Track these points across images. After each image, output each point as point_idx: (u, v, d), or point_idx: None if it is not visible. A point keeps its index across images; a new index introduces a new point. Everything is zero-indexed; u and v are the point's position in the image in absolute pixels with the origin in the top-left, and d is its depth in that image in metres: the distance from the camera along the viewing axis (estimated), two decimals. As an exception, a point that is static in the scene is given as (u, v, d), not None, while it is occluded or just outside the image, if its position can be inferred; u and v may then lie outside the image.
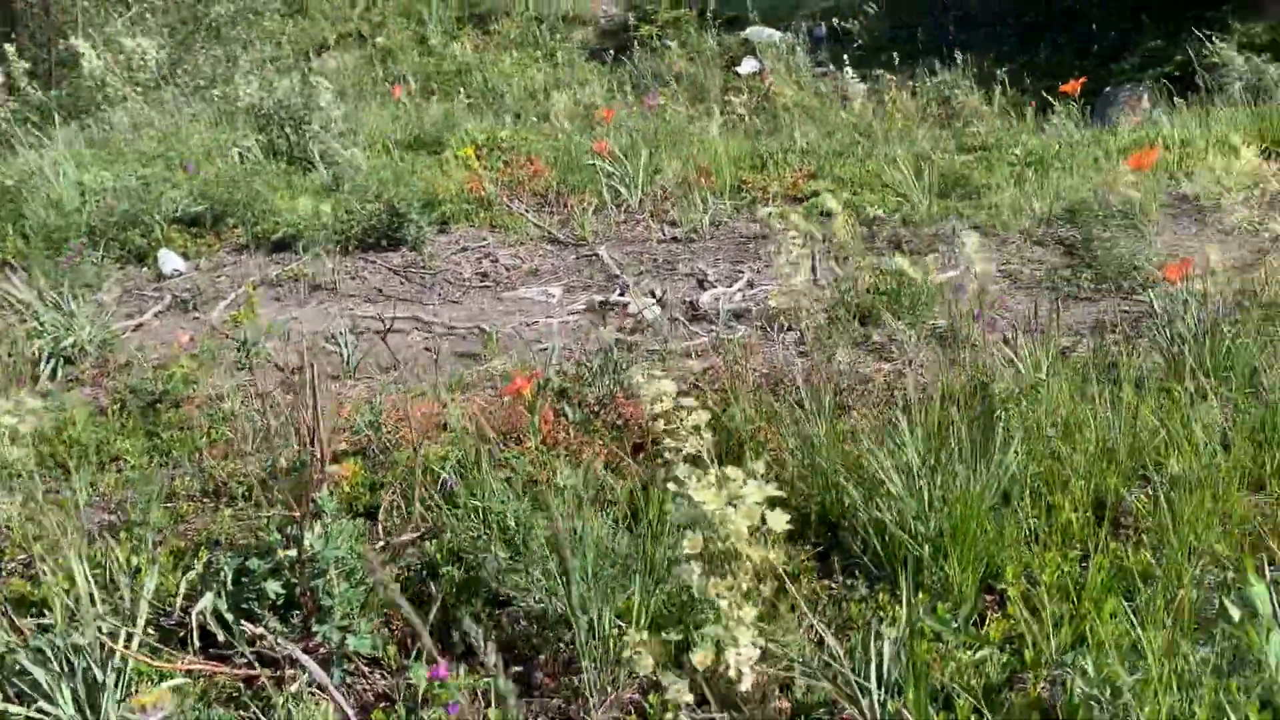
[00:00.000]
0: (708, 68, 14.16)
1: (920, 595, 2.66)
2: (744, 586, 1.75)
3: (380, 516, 3.10)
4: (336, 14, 16.02)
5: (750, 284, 5.25)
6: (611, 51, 14.29)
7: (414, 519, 2.89)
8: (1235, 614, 2.07)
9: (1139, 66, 11.90)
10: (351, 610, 2.56)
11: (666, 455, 2.05)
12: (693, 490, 1.72)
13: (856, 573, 2.83)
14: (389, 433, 3.57)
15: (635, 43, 14.31)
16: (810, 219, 5.59)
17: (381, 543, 2.94)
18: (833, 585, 2.84)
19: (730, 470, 1.79)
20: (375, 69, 13.96)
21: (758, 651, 1.73)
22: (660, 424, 2.07)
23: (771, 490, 1.78)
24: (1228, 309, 3.73)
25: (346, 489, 3.40)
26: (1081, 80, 6.76)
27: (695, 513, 1.73)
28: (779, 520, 1.78)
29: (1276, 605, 2.15)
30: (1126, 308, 4.46)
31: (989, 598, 2.78)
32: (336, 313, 5.20)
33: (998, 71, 11.33)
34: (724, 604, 1.72)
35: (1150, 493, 2.97)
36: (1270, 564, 2.73)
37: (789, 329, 4.52)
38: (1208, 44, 10.98)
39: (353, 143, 7.47)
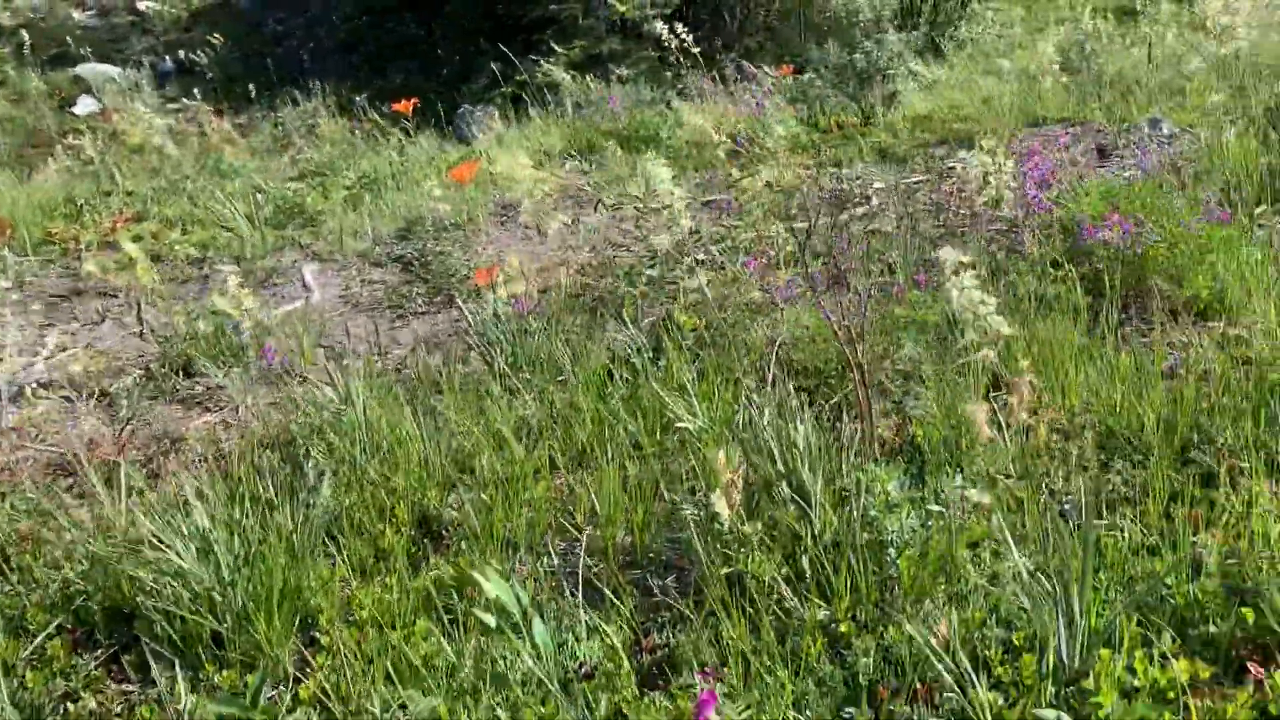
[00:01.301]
0: (37, 110, 12.52)
1: (225, 672, 2.38)
2: None
3: None
4: None
5: (62, 348, 4.56)
6: (-98, 98, 12.01)
7: None
8: (490, 620, 2.06)
9: (487, 87, 12.72)
10: None
11: None
12: None
13: (157, 666, 2.47)
14: None
15: (-66, 86, 12.16)
16: (131, 267, 5.02)
17: None
18: (129, 687, 2.46)
19: None
20: None
21: None
22: None
23: None
24: (531, 305, 3.95)
25: None
26: (413, 101, 6.95)
27: None
28: None
29: (533, 598, 2.21)
30: (459, 317, 4.57)
31: (311, 650, 2.58)
32: None
33: (356, 98, 11.41)
34: None
35: (467, 497, 2.99)
36: (577, 541, 2.88)
37: (100, 395, 3.96)
38: (540, 65, 12.05)
39: None
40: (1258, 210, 4.29)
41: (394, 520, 2.96)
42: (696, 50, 7.34)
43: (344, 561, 2.78)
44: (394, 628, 2.49)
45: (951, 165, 5.78)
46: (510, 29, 13.12)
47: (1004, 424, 2.76)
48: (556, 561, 2.74)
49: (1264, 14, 6.69)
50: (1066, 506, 2.71)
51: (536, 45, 12.54)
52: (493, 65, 12.88)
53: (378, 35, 14.28)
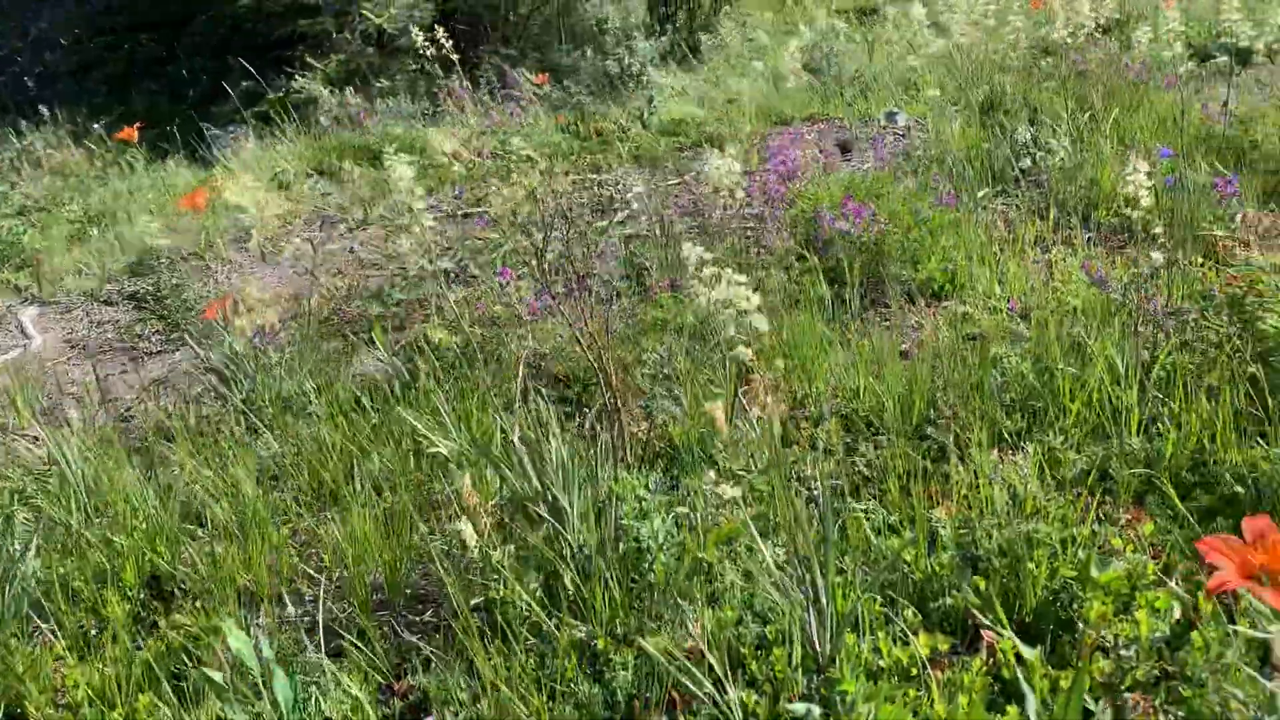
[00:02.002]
0: None
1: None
2: None
3: None
4: None
5: None
6: None
7: None
8: (218, 677, 1.89)
9: (238, 107, 12.10)
10: None
11: None
12: None
13: None
14: None
15: None
16: None
17: None
18: None
19: None
20: None
21: None
22: None
23: None
24: (272, 336, 3.71)
25: None
26: (139, 126, 6.48)
27: None
28: None
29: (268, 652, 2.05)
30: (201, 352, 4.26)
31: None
32: None
33: (95, 125, 10.58)
34: None
35: (200, 551, 2.75)
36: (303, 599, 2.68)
37: None
38: (294, 81, 11.56)
39: None
40: (980, 193, 4.57)
41: (120, 584, 2.69)
42: (455, 58, 7.19)
43: (59, 637, 2.49)
44: (115, 705, 2.25)
45: (705, 167, 5.89)
46: (260, 46, 12.53)
47: (753, 418, 2.79)
48: (299, 611, 2.56)
49: (980, 12, 7.19)
50: (814, 493, 2.76)
51: (290, 61, 12.05)
52: (244, 84, 12.27)
53: (116, 58, 13.33)
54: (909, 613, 2.24)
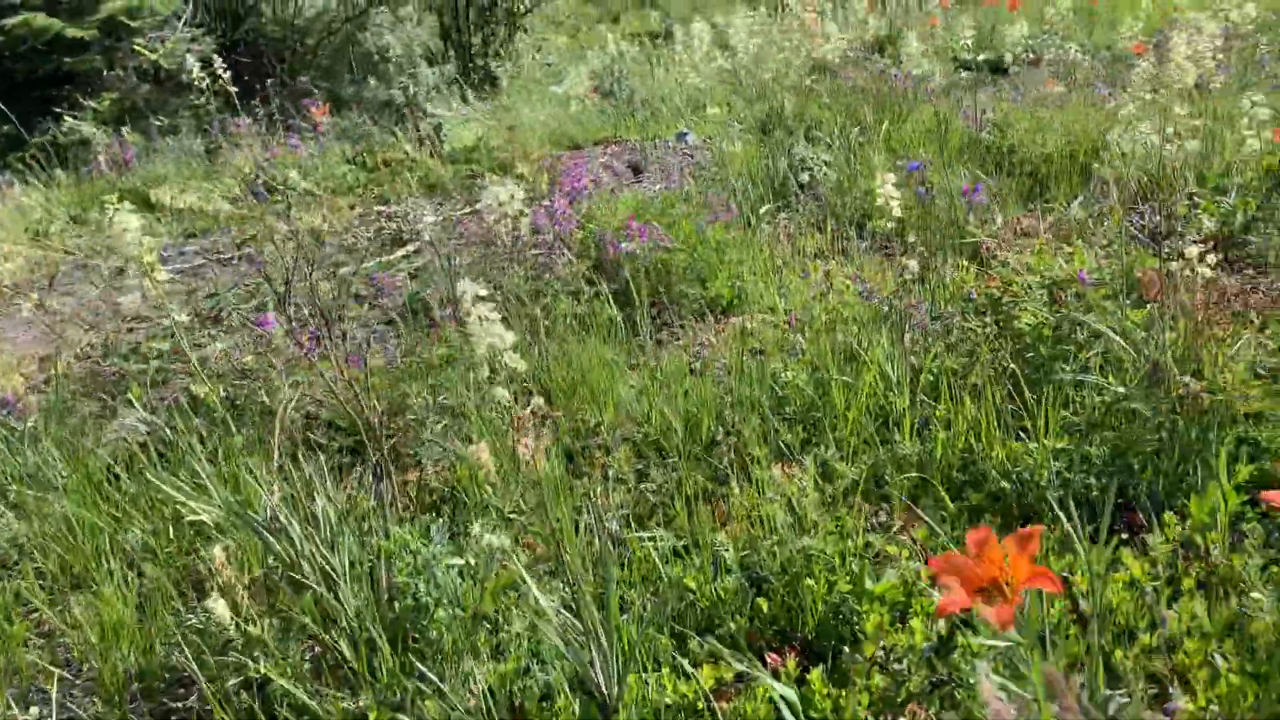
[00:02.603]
0: None
1: None
2: None
3: None
4: None
5: None
6: None
7: None
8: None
9: (1, 152, 11.22)
10: None
11: None
12: None
13: None
14: None
15: None
16: None
17: None
18: None
19: None
20: None
21: None
22: None
23: None
24: (14, 402, 3.37)
25: None
26: None
27: None
28: None
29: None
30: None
31: None
32: None
33: None
34: None
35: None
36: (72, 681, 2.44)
37: None
38: (63, 122, 10.80)
39: None
40: (763, 209, 4.64)
41: None
42: (235, 92, 6.81)
43: None
44: None
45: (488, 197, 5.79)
46: (21, 85, 11.67)
47: (533, 454, 2.69)
48: (42, 711, 2.29)
49: (762, 32, 7.40)
50: (609, 525, 2.68)
51: (57, 101, 11.29)
52: (3, 127, 11.38)
53: None
54: (695, 643, 2.19)
